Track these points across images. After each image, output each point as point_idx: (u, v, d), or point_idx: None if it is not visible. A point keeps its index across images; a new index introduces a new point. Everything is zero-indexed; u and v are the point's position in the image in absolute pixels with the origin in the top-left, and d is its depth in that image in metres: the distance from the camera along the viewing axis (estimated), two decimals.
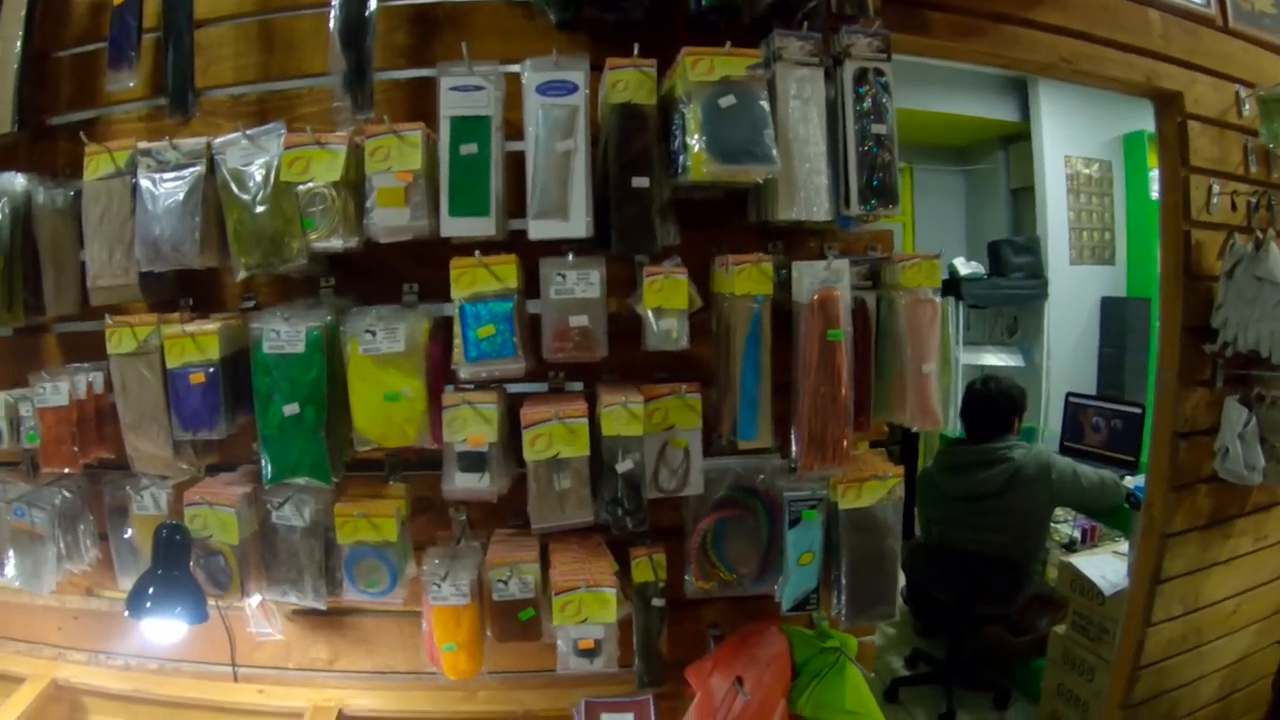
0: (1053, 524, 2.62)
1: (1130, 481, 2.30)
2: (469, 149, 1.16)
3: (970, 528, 2.36)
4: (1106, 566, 2.18)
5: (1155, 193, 3.56)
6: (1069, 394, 2.81)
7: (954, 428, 2.58)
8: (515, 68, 1.21)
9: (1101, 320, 3.63)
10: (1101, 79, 1.76)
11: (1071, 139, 3.57)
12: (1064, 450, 2.69)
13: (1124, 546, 2.32)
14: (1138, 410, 2.55)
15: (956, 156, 4.28)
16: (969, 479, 2.35)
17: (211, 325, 1.23)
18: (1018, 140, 3.87)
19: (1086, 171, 3.58)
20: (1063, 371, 3.55)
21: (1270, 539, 2.04)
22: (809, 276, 1.21)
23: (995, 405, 2.39)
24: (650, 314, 1.15)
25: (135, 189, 1.26)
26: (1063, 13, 1.69)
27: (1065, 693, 2.24)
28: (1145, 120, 3.44)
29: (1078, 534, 2.66)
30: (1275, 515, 2.03)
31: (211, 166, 1.24)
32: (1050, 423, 3.34)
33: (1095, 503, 2.33)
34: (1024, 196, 3.88)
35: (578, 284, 1.15)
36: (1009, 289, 3.47)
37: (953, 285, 3.52)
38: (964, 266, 3.57)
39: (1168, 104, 1.84)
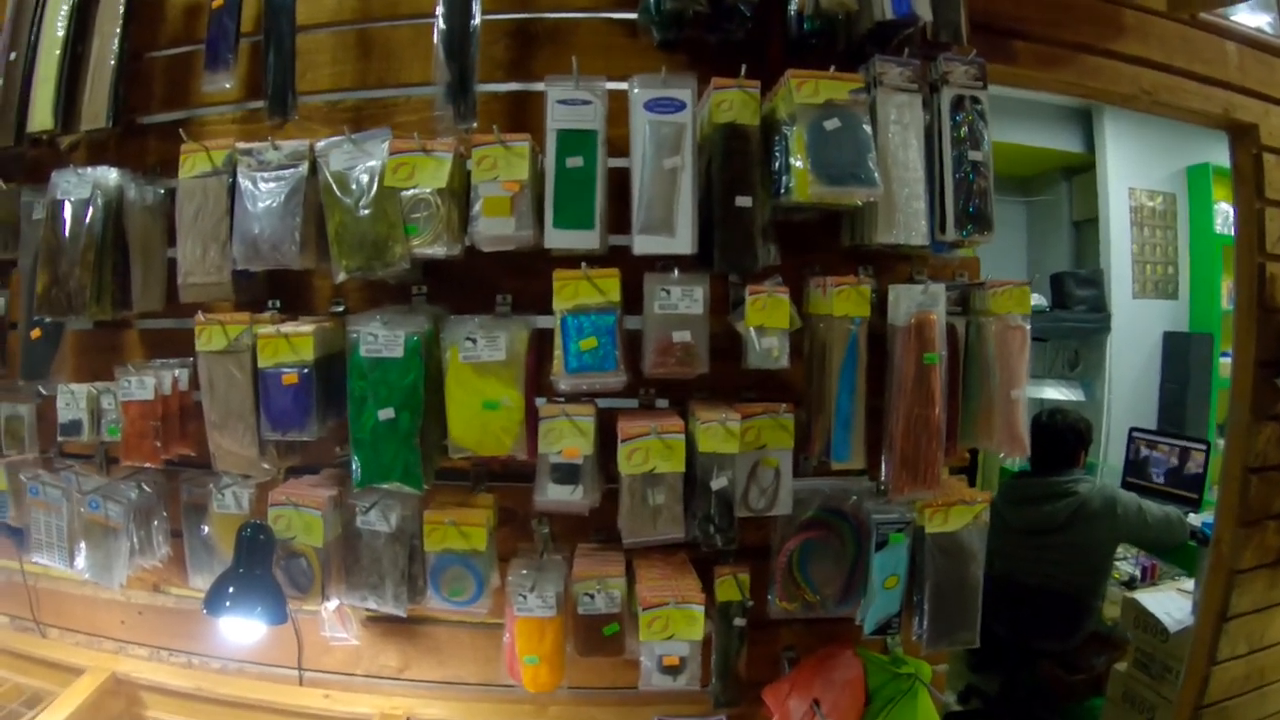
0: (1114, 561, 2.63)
1: (1194, 519, 2.31)
2: (575, 162, 1.21)
3: (1033, 561, 2.38)
4: (1171, 604, 2.19)
5: (1219, 226, 3.59)
6: (1132, 429, 2.83)
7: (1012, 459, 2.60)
8: (617, 84, 1.26)
9: (1163, 355, 3.65)
10: (1180, 110, 1.80)
11: (1136, 171, 3.60)
12: (1126, 486, 2.71)
13: (1188, 584, 2.34)
14: (1202, 446, 2.57)
15: (1019, 187, 4.30)
16: (1034, 512, 2.37)
17: (306, 327, 1.28)
18: (1081, 172, 3.89)
19: (1150, 204, 3.61)
20: (1124, 406, 3.56)
21: None
22: (906, 300, 1.25)
23: (1062, 438, 2.41)
24: (752, 332, 1.19)
25: (233, 188, 1.31)
26: (1143, 44, 1.74)
27: None
28: (1209, 153, 3.52)
29: (1138, 571, 2.67)
30: None
31: (313, 168, 1.29)
32: (1110, 458, 3.35)
33: (1160, 540, 2.34)
34: (1086, 228, 3.90)
35: (682, 300, 1.19)
36: (1071, 322, 3.48)
37: None
38: None
39: (1243, 136, 1.89)
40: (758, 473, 1.27)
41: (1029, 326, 1.33)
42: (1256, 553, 1.88)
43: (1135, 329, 3.58)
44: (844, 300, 1.23)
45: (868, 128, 1.21)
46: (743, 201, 1.20)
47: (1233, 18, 1.94)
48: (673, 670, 1.25)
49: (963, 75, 1.32)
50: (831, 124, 1.19)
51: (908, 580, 1.34)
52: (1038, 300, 3.53)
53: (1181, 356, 3.49)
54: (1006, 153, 3.58)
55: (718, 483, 1.20)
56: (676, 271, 1.20)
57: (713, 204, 1.20)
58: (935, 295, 1.26)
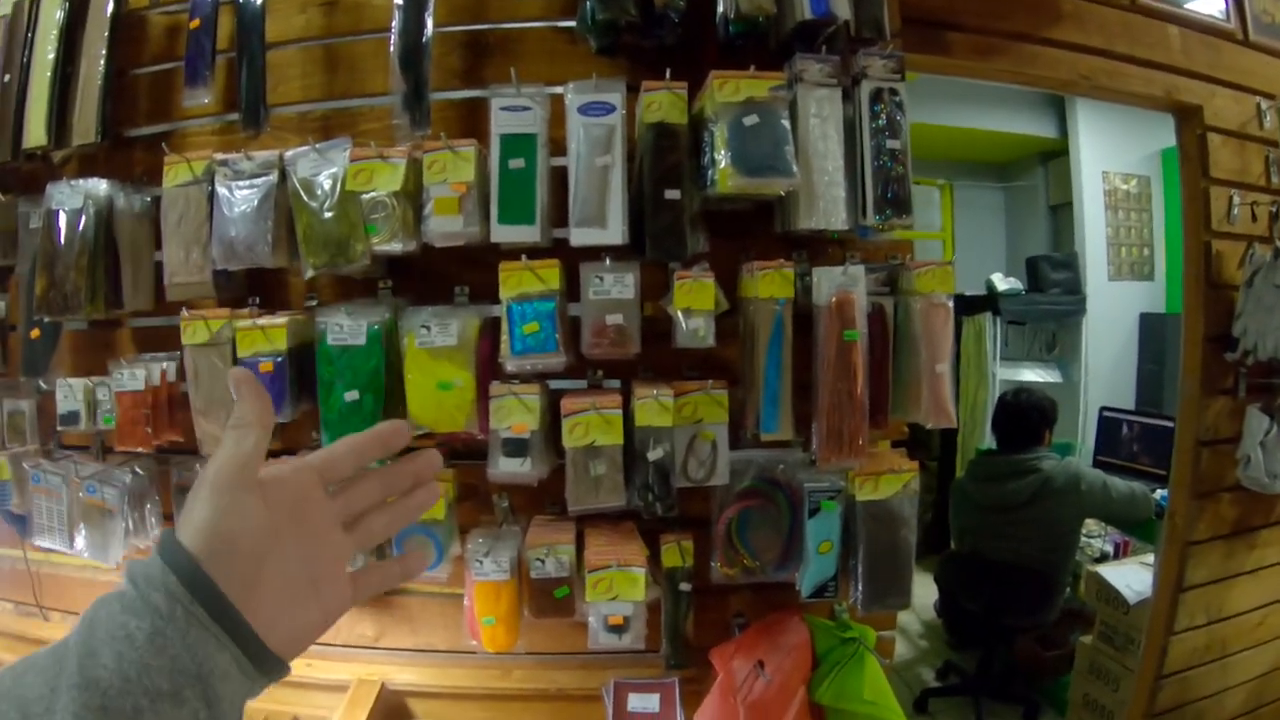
0: (1086, 538, 2.77)
1: (1160, 494, 2.43)
2: (517, 163, 1.37)
3: (1000, 538, 2.51)
4: (1132, 576, 2.31)
5: None
6: (1102, 408, 2.97)
7: (990, 440, 2.72)
8: (559, 89, 1.41)
9: (1140, 336, 3.78)
10: (1121, 94, 1.93)
11: (1110, 155, 3.75)
12: (1097, 464, 2.85)
13: (1150, 557, 2.45)
14: (1170, 424, 2.68)
15: (996, 173, 4.47)
16: (999, 489, 2.51)
17: (280, 319, 1.45)
18: (1056, 156, 4.04)
19: (1125, 187, 3.75)
20: (1101, 388, 3.69)
21: None
22: (827, 281, 1.39)
23: (1025, 416, 2.55)
24: (680, 314, 1.35)
25: (212, 195, 1.48)
26: (1082, 31, 1.88)
27: (1091, 703, 2.37)
28: None
29: (1110, 548, 2.79)
30: None
31: (283, 176, 1.46)
32: (1087, 439, 3.48)
33: (1124, 514, 2.47)
34: (1063, 212, 4.05)
35: (614, 286, 1.35)
36: (1047, 305, 3.64)
37: (990, 301, 3.70)
38: (1001, 282, 3.74)
39: (1188, 117, 2.01)
40: (695, 445, 1.42)
41: (951, 304, 1.47)
42: (1210, 524, 2.00)
43: (1111, 311, 3.71)
44: (769, 283, 1.38)
45: (785, 122, 1.36)
46: (671, 194, 1.35)
47: (1186, 5, 2.07)
48: (618, 629, 1.40)
49: (881, 69, 1.46)
50: (750, 120, 1.34)
51: (842, 546, 1.49)
52: (1013, 284, 3.67)
53: (1158, 337, 3.61)
54: (983, 139, 3.73)
55: (654, 454, 1.36)
56: (608, 260, 1.36)
57: (644, 197, 1.36)
58: (855, 276, 1.40)
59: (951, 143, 3.75)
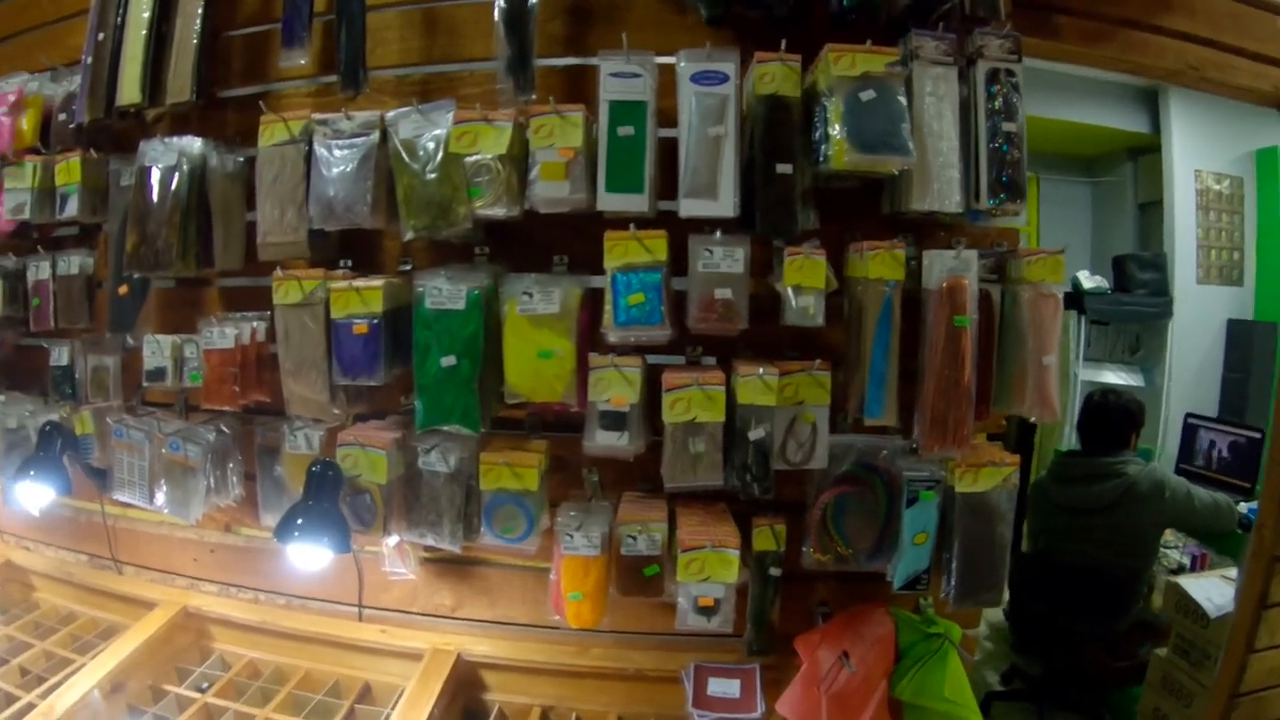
0: (1164, 548, 2.71)
1: (1245, 507, 2.37)
2: (626, 131, 1.36)
3: (1078, 541, 2.47)
4: (1213, 589, 2.26)
5: None
6: (1187, 414, 2.91)
7: (1069, 441, 2.66)
8: (667, 59, 1.41)
9: (1227, 343, 3.71)
10: (1229, 87, 1.88)
11: (1202, 153, 3.68)
12: (1179, 471, 2.79)
13: (1233, 571, 2.39)
14: (1257, 434, 2.63)
15: (1084, 167, 4.40)
16: (1081, 491, 2.46)
17: (376, 281, 1.45)
18: (1147, 153, 3.97)
19: (1217, 188, 3.66)
20: (1184, 394, 3.64)
21: None
22: (939, 265, 1.37)
23: (1112, 418, 2.50)
24: (790, 291, 1.33)
25: (310, 154, 1.49)
26: (1190, 19, 1.82)
27: (1161, 718, 2.32)
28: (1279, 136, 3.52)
29: (1187, 560, 2.74)
30: None
31: (384, 137, 1.47)
32: (1168, 446, 3.44)
33: (1207, 525, 2.41)
34: (1152, 211, 3.98)
35: (724, 259, 1.34)
36: (1132, 305, 3.58)
37: (1075, 299, 3.65)
38: (1087, 280, 3.66)
39: None
40: (795, 427, 1.41)
41: (1061, 295, 1.44)
42: None
43: (1198, 315, 3.64)
44: (879, 264, 1.36)
45: (902, 99, 1.34)
46: (783, 169, 1.34)
47: None
48: (707, 611, 1.39)
49: (997, 49, 1.43)
50: (867, 95, 1.32)
51: (937, 538, 1.46)
52: (1099, 282, 3.59)
53: (1245, 345, 3.52)
54: (1071, 132, 3.66)
55: (755, 433, 1.35)
56: (719, 233, 1.35)
57: (755, 171, 1.34)
58: (967, 260, 1.38)
59: (1038, 134, 3.67)
